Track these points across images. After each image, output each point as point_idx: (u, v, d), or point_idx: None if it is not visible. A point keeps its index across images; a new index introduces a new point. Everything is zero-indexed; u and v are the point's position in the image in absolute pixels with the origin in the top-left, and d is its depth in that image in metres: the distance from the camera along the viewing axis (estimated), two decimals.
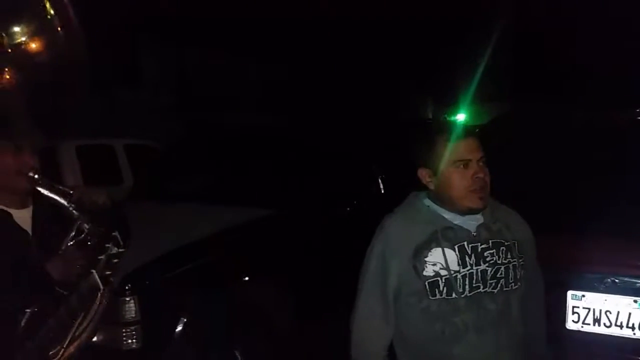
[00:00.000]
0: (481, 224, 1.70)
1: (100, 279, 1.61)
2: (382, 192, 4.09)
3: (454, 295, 1.64)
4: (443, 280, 1.64)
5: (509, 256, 1.69)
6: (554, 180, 2.85)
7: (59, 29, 1.71)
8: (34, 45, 1.71)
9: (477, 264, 1.65)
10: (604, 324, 2.57)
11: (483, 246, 1.67)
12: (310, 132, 4.31)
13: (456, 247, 1.66)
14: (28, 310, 1.64)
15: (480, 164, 1.67)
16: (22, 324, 1.63)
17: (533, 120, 3.27)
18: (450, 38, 11.42)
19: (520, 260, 1.71)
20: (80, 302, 1.63)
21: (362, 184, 4.11)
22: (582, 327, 2.61)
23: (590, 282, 2.59)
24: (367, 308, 1.72)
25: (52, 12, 1.73)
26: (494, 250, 1.67)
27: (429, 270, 1.65)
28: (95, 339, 2.55)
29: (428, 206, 1.73)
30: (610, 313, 2.56)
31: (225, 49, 11.25)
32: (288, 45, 11.16)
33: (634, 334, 2.52)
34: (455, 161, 1.66)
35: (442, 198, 1.71)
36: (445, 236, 1.67)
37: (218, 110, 9.75)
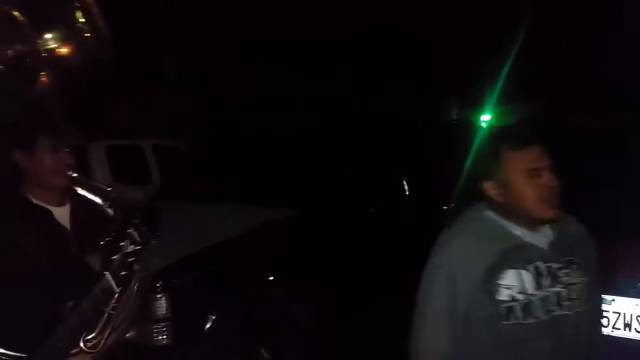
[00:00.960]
0: (552, 240, 1.59)
1: (116, 280, 1.57)
2: (407, 193, 4.09)
3: (529, 320, 1.53)
4: (520, 305, 1.53)
5: (579, 275, 1.59)
6: (590, 184, 2.80)
7: (87, 34, 1.79)
8: (65, 50, 1.79)
9: (553, 285, 1.55)
10: (635, 329, 2.54)
11: (557, 266, 1.57)
12: (337, 134, 4.34)
13: (531, 268, 1.55)
14: (70, 303, 1.68)
15: (550, 171, 1.56)
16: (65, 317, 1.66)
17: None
18: (474, 37, 11.31)
19: (589, 278, 1.61)
20: (92, 306, 1.60)
21: (387, 185, 4.12)
22: (612, 331, 2.58)
23: (621, 286, 2.56)
24: (433, 333, 1.61)
25: (81, 19, 1.81)
26: (568, 270, 1.58)
27: (503, 294, 1.53)
28: (127, 334, 2.62)
29: (494, 220, 1.61)
30: None
31: (245, 52, 11.31)
32: (310, 48, 11.18)
33: None
34: (525, 170, 1.54)
35: (511, 210, 1.58)
36: (518, 256, 1.55)
37: (244, 112, 9.82)
